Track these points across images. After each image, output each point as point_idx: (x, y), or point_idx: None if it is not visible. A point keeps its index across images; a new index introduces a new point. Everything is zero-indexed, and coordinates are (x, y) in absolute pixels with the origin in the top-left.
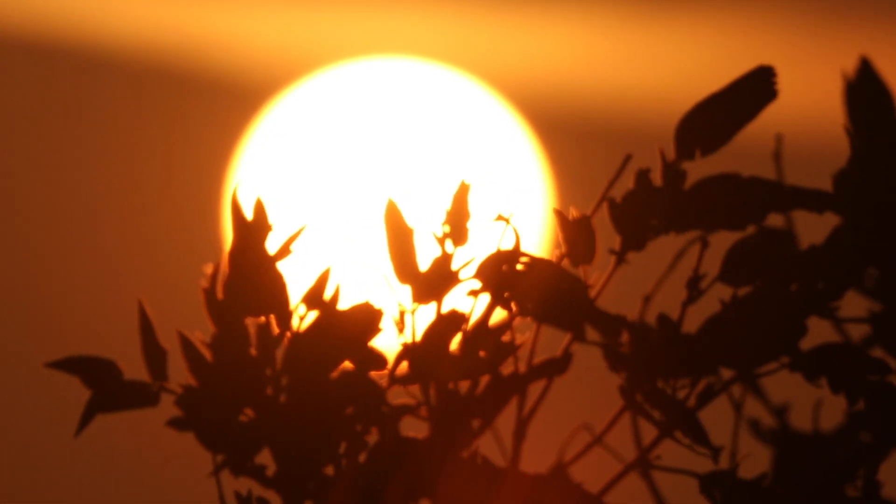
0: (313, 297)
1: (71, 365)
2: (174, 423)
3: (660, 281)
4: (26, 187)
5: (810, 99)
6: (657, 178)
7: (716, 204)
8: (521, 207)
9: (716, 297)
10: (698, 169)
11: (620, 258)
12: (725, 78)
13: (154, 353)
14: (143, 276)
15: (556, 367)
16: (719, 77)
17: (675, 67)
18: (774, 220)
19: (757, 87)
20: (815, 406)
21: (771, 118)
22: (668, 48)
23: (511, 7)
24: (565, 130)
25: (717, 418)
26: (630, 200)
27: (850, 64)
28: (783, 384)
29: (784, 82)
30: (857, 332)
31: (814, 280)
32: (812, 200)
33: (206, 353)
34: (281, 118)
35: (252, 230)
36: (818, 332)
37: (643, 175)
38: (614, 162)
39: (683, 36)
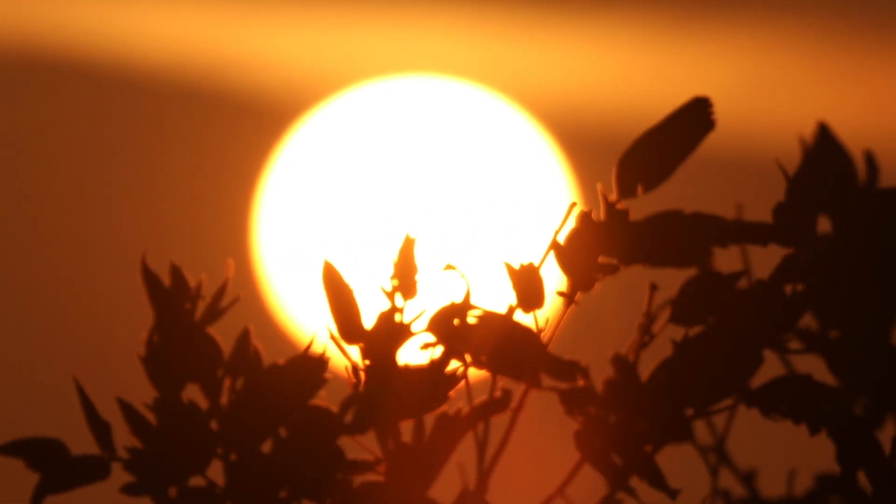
0: (236, 361)
1: (16, 448)
2: (128, 489)
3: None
4: (48, 205)
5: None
6: (601, 216)
7: (660, 241)
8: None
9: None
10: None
11: (570, 300)
12: (751, 95)
13: (98, 427)
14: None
15: (497, 406)
16: (745, 95)
17: (699, 86)
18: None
19: (694, 119)
20: (789, 472)
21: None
22: (692, 65)
23: (536, 24)
24: (592, 147)
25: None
26: (574, 241)
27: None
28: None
29: (812, 97)
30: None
31: (764, 314)
32: (755, 234)
33: (151, 418)
34: (307, 138)
35: (171, 297)
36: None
37: (585, 215)
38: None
39: (709, 52)
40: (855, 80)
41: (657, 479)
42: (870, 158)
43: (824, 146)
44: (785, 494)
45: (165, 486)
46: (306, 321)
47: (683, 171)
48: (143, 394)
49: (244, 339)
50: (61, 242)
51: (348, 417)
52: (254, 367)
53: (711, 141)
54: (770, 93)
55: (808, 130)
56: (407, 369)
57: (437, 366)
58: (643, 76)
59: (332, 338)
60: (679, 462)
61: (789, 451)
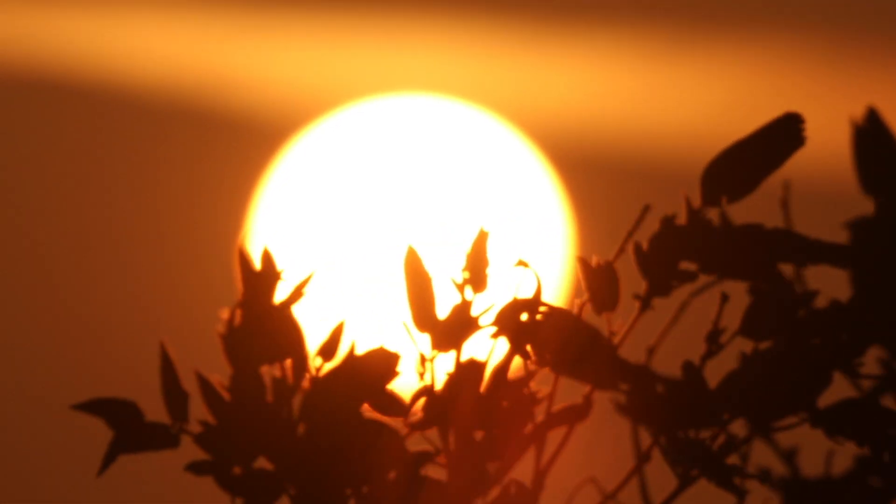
0: (328, 350)
1: (95, 407)
2: (193, 468)
3: (665, 331)
4: (45, 224)
5: (827, 135)
6: (681, 223)
7: (741, 252)
8: (541, 250)
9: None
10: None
11: (646, 304)
12: (745, 117)
13: (175, 395)
14: (162, 316)
15: (577, 414)
16: (740, 116)
17: (696, 107)
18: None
19: (785, 134)
20: (828, 452)
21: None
22: (689, 87)
23: (532, 45)
24: (586, 169)
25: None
26: (656, 246)
27: (864, 100)
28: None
29: (807, 115)
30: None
31: (837, 336)
32: (835, 256)
33: (225, 395)
34: (301, 157)
35: (261, 279)
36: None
37: (669, 221)
38: (634, 201)
39: (704, 75)
40: (848, 96)
41: (727, 481)
42: None
43: (873, 130)
44: (824, 474)
45: (232, 463)
46: (315, 332)
47: (660, 182)
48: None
49: (338, 330)
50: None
51: (420, 414)
52: (349, 355)
53: (699, 159)
54: (761, 111)
55: (810, 150)
56: (480, 372)
57: (522, 382)
58: (634, 94)
59: (405, 326)
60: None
61: None
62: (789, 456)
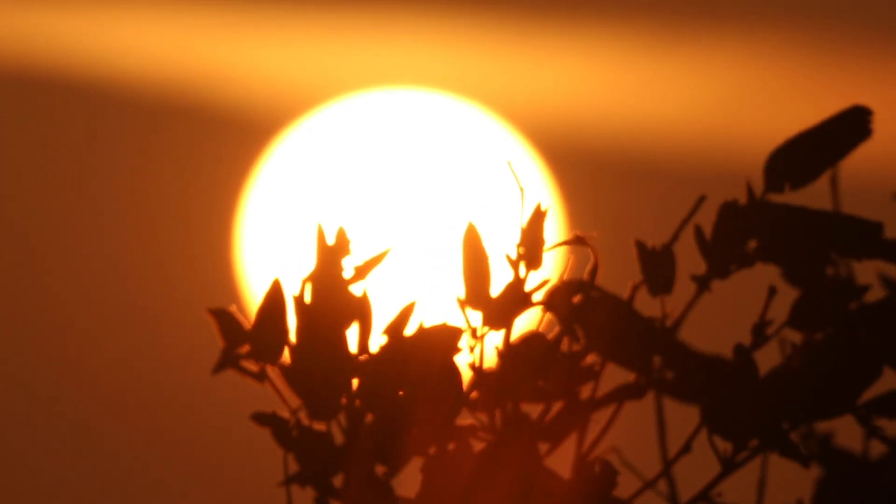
0: (395, 329)
1: (221, 316)
2: (257, 418)
3: (684, 312)
4: (33, 218)
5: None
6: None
7: (804, 239)
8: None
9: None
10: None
11: (704, 286)
12: (737, 112)
13: (275, 333)
14: (149, 309)
15: (632, 392)
16: (731, 111)
17: (687, 101)
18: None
19: (852, 126)
20: (865, 434)
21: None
22: (680, 82)
23: (522, 39)
24: (576, 163)
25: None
26: (719, 228)
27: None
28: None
29: (795, 111)
30: None
31: (889, 330)
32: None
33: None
34: (291, 151)
35: (334, 252)
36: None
37: (731, 205)
38: (625, 194)
39: (695, 70)
40: (838, 90)
41: (792, 450)
42: None
43: None
44: (861, 455)
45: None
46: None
47: (655, 178)
48: None
49: (408, 310)
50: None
51: (474, 394)
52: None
53: (688, 151)
54: (753, 106)
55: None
56: (537, 348)
57: (575, 357)
58: (625, 89)
59: (458, 302)
60: None
61: None
62: (826, 439)
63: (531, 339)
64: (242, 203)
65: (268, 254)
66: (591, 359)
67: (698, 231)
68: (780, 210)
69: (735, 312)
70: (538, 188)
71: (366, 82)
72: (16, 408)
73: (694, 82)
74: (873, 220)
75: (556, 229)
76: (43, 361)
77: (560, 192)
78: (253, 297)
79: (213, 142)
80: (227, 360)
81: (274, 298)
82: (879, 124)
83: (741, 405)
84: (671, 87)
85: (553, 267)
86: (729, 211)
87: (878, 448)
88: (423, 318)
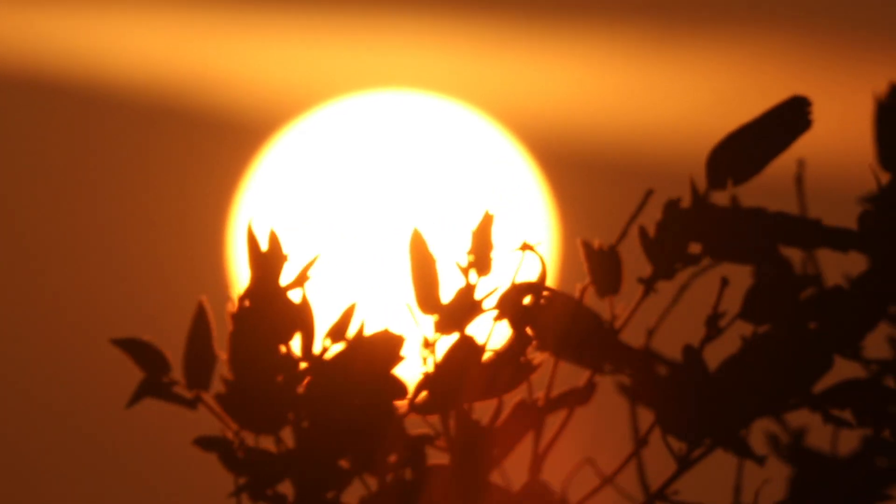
0: (338, 331)
1: (131, 346)
2: (200, 443)
3: (664, 314)
4: (26, 222)
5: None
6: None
7: (744, 236)
8: (534, 238)
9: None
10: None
11: (649, 287)
12: (730, 113)
13: (203, 358)
14: (144, 312)
15: (579, 397)
16: (724, 112)
17: (681, 103)
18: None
19: (791, 117)
20: (834, 431)
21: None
22: (673, 84)
23: (516, 41)
24: (570, 165)
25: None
26: (662, 229)
27: (864, 96)
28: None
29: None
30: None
31: (840, 320)
32: (838, 240)
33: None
34: (285, 152)
35: (268, 260)
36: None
37: (674, 205)
38: (618, 196)
39: (688, 72)
40: (840, 94)
41: (742, 449)
42: None
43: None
44: (831, 452)
45: (249, 429)
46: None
47: (648, 179)
48: None
49: (349, 311)
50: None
51: (421, 396)
52: (358, 336)
53: (683, 151)
54: (746, 109)
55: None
56: (477, 350)
57: (514, 350)
58: (619, 91)
59: (409, 308)
60: None
61: None
62: (798, 435)
63: (465, 342)
64: (236, 205)
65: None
66: (539, 360)
67: (642, 232)
68: (720, 210)
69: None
70: (530, 190)
71: (359, 85)
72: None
73: (687, 85)
74: (812, 217)
75: (548, 231)
76: (33, 364)
77: (553, 194)
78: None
79: (208, 144)
80: (150, 391)
81: (199, 321)
82: (864, 123)
83: (690, 405)
84: (664, 89)
85: (513, 270)
86: (671, 211)
87: (848, 445)
88: (367, 323)
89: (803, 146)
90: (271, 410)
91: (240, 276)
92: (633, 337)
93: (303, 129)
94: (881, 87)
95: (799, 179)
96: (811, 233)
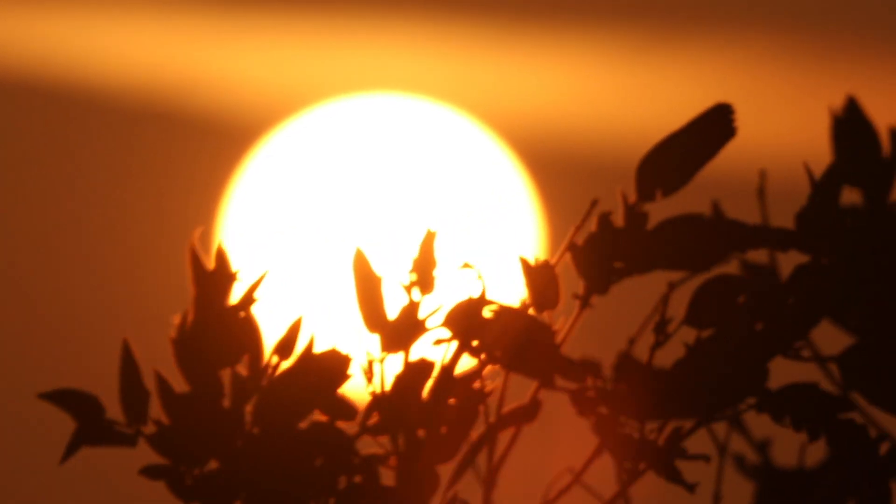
0: (285, 347)
1: (59, 397)
2: (147, 472)
3: (644, 325)
4: (12, 225)
5: (801, 136)
6: (620, 220)
7: (678, 245)
8: (509, 248)
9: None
10: (677, 205)
11: (585, 302)
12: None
13: (134, 394)
14: (130, 316)
15: (525, 414)
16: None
17: (669, 106)
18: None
19: (716, 126)
20: (801, 445)
21: (759, 155)
22: (662, 87)
23: (504, 44)
24: (558, 169)
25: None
26: (592, 244)
27: (837, 102)
28: (767, 421)
29: (774, 119)
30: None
31: (778, 320)
32: (775, 239)
33: (181, 398)
34: (270, 157)
35: (214, 280)
36: (796, 372)
37: (604, 218)
38: (606, 199)
39: (678, 75)
40: (829, 97)
41: (673, 475)
42: (894, 135)
43: (853, 119)
44: (797, 465)
45: (185, 466)
46: (269, 333)
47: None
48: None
49: (296, 326)
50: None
51: (373, 419)
52: (305, 353)
53: None
54: (739, 112)
55: (780, 151)
56: (428, 372)
57: (469, 378)
58: (608, 94)
59: (354, 328)
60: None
61: None
62: (763, 446)
63: (417, 364)
64: (224, 208)
65: (249, 259)
66: (479, 383)
67: (573, 247)
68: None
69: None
70: (519, 194)
71: (347, 88)
72: None
73: (676, 89)
74: (743, 221)
75: (539, 237)
76: (18, 370)
77: (541, 198)
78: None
79: (195, 146)
80: (86, 440)
81: (126, 360)
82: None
83: (633, 417)
84: (654, 93)
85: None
86: (602, 224)
87: (814, 457)
88: (315, 339)
89: (803, 149)
90: (214, 438)
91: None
92: (588, 349)
93: (290, 132)
94: (875, 88)
95: (761, 192)
96: (749, 235)
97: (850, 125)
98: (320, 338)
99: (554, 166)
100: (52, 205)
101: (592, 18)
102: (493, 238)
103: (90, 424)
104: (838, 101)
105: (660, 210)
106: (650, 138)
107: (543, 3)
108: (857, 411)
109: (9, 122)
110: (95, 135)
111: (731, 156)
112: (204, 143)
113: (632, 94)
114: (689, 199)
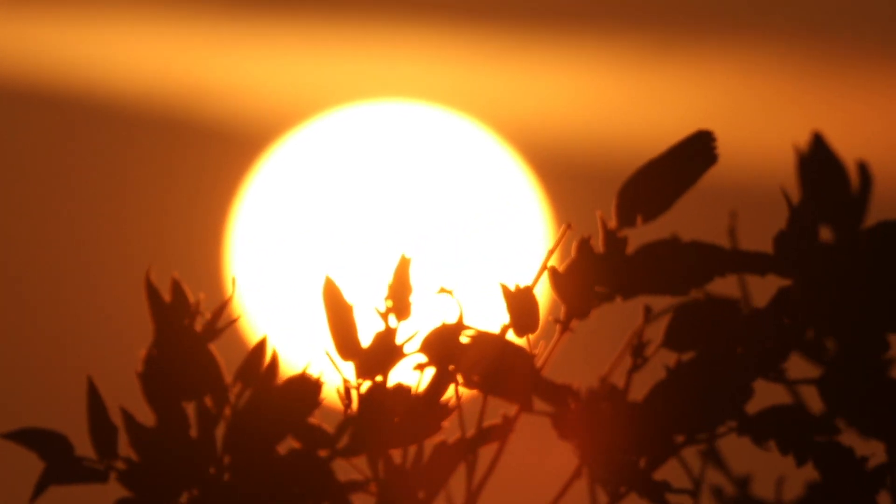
0: (249, 373)
1: (25, 437)
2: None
3: (625, 348)
4: (21, 231)
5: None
6: (600, 245)
7: (657, 270)
8: (515, 264)
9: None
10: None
11: (565, 327)
12: (726, 124)
13: (103, 430)
14: (138, 324)
15: (497, 433)
16: (720, 124)
17: (676, 114)
18: (728, 285)
19: (697, 152)
20: (778, 478)
21: (766, 163)
22: (669, 95)
23: (512, 51)
24: (567, 176)
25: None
26: (572, 269)
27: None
28: (744, 453)
29: (781, 127)
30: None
31: (759, 343)
32: (753, 263)
33: (149, 433)
34: (280, 164)
35: (172, 312)
36: (772, 395)
37: (584, 243)
38: (611, 204)
39: (685, 83)
40: (833, 104)
41: (657, 497)
42: (863, 169)
43: (818, 155)
44: (775, 500)
45: (155, 500)
46: (280, 345)
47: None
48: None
49: (259, 348)
50: (35, 266)
51: (343, 441)
52: (267, 379)
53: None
54: (745, 121)
55: (782, 160)
56: (402, 394)
57: (433, 393)
58: (615, 101)
59: (328, 355)
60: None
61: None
62: (743, 482)
63: (384, 384)
64: (232, 217)
65: (258, 269)
66: (454, 402)
67: (553, 272)
68: (627, 253)
69: None
70: (528, 201)
71: (354, 95)
72: None
73: (685, 95)
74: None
75: (544, 241)
76: (22, 379)
77: (550, 205)
78: (243, 312)
79: (203, 155)
80: (55, 479)
81: (92, 397)
82: (865, 135)
83: (609, 443)
84: (662, 100)
85: (433, 313)
86: (582, 249)
87: (793, 491)
88: (281, 362)
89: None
90: (182, 471)
91: (237, 290)
92: (568, 372)
93: (298, 140)
94: (881, 97)
95: (732, 232)
96: (727, 259)
97: (816, 162)
98: (296, 360)
99: (563, 173)
100: (62, 211)
101: (600, 25)
102: (502, 244)
103: (58, 463)
104: (844, 108)
105: (647, 231)
106: (658, 145)
107: (551, 10)
108: (841, 433)
109: (21, 129)
110: (107, 143)
111: (740, 163)
112: (212, 152)
113: (640, 101)
114: (681, 218)
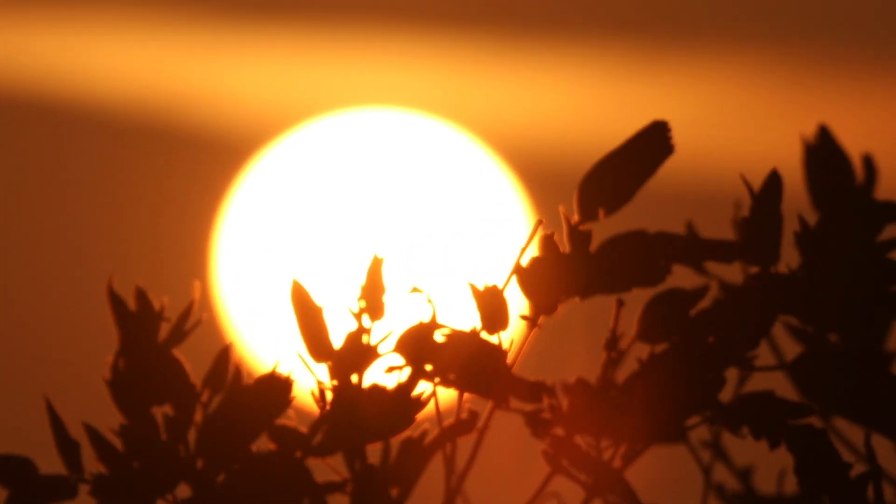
0: (215, 378)
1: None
2: None
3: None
4: (8, 239)
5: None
6: (564, 240)
7: (624, 263)
8: (499, 266)
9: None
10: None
11: (533, 324)
12: (713, 130)
13: (67, 447)
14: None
15: (463, 427)
16: (707, 130)
17: (663, 118)
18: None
19: (653, 143)
20: (780, 472)
21: (757, 165)
22: (655, 102)
23: (499, 59)
24: (553, 183)
25: (684, 482)
26: (537, 266)
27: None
28: (747, 446)
29: (768, 131)
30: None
31: (729, 332)
32: (720, 251)
33: (117, 443)
34: (266, 171)
35: (137, 320)
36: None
37: (548, 239)
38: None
39: (671, 90)
40: (815, 112)
41: (628, 496)
42: (868, 162)
43: (825, 147)
44: (776, 492)
45: None
46: (265, 349)
47: (642, 202)
48: (110, 419)
49: (224, 355)
50: (25, 271)
51: (317, 439)
52: (234, 384)
53: (667, 173)
54: (726, 127)
55: (764, 163)
56: (374, 391)
57: (404, 389)
58: (600, 108)
59: (300, 357)
60: (674, 458)
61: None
62: (745, 474)
63: (355, 383)
64: (219, 221)
65: (244, 276)
66: (427, 397)
67: (519, 269)
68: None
69: None
70: (514, 208)
71: (340, 102)
72: None
73: (672, 102)
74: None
75: (530, 248)
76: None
77: (537, 212)
78: (228, 313)
79: (189, 162)
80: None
81: (52, 416)
82: (855, 140)
83: (583, 438)
84: (650, 106)
85: (406, 313)
86: (546, 248)
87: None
88: (249, 366)
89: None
90: (152, 479)
91: (222, 291)
92: (541, 369)
93: (284, 148)
94: (870, 98)
95: (690, 226)
96: (694, 248)
97: (823, 153)
98: (272, 362)
99: (546, 180)
100: (42, 218)
101: (586, 32)
102: (484, 247)
103: (21, 488)
104: (834, 112)
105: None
106: None
107: (537, 17)
108: (815, 416)
109: (7, 137)
110: (92, 150)
111: (727, 165)
112: (198, 159)
113: (626, 109)
114: (669, 212)
